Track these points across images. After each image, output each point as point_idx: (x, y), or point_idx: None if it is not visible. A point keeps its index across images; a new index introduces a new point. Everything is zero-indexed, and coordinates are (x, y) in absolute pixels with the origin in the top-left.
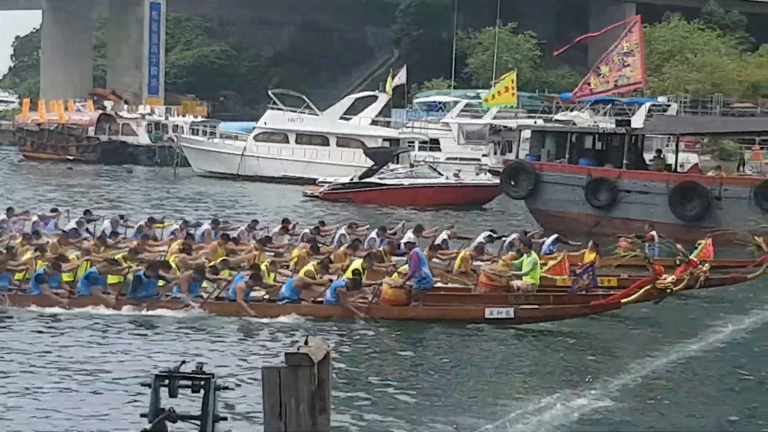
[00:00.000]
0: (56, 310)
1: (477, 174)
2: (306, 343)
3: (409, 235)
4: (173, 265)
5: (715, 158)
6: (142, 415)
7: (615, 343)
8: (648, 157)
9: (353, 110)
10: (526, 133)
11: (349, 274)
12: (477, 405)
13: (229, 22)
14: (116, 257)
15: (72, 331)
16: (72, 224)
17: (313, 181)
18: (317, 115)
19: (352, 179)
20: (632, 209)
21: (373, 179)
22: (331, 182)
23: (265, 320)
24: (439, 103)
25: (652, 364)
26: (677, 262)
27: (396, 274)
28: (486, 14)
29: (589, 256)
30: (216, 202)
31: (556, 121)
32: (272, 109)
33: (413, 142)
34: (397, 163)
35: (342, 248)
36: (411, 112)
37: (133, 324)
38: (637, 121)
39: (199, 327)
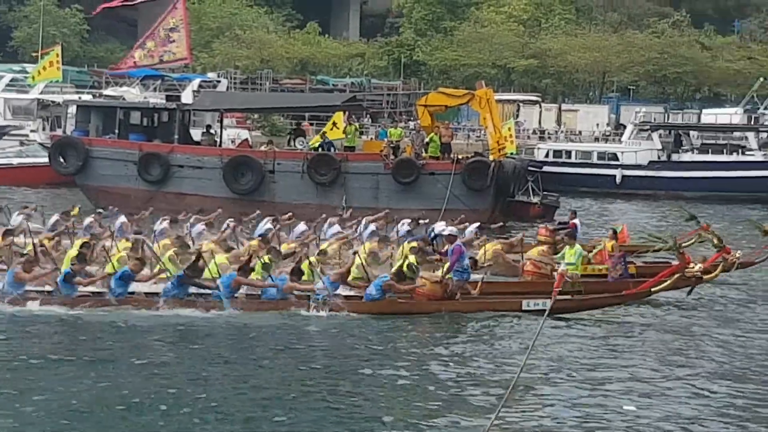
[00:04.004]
0: None
1: (21, 150)
2: None
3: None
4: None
5: (266, 134)
6: None
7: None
8: (199, 132)
9: None
10: (73, 109)
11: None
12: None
13: None
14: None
15: None
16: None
17: None
18: None
19: None
20: (186, 184)
21: None
22: None
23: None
24: None
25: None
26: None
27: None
28: None
29: (609, 245)
30: None
31: (106, 96)
32: None
33: None
34: None
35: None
36: None
37: None
38: (187, 96)
39: None
